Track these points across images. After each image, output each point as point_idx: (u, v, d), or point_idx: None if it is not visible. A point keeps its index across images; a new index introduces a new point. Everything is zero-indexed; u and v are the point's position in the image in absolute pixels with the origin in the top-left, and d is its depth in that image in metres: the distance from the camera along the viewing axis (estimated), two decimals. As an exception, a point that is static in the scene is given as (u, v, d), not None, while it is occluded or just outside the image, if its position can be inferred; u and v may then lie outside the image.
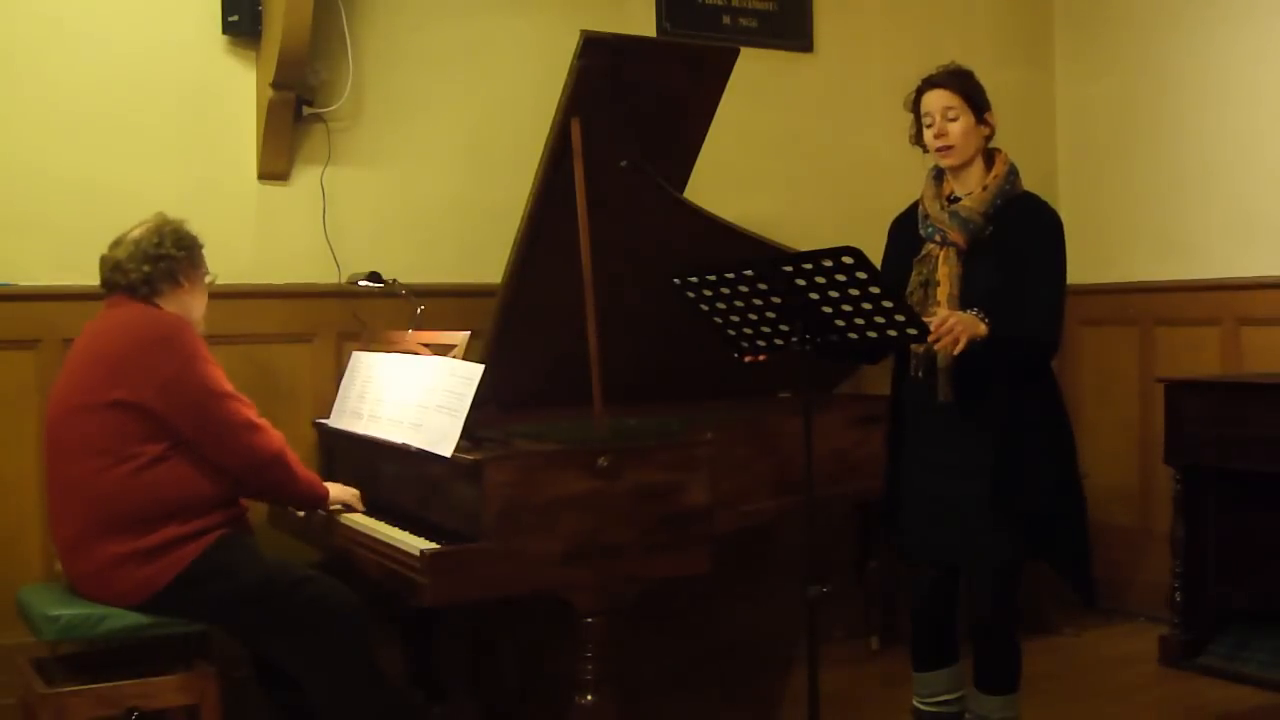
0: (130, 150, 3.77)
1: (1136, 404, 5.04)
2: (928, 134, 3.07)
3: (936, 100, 3.04)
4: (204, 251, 3.21)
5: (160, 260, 3.12)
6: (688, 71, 3.60)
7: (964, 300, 2.95)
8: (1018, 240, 2.99)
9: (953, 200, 3.08)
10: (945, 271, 2.99)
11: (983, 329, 2.85)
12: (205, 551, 2.96)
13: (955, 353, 2.83)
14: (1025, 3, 5.36)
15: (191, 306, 3.17)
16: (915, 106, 3.10)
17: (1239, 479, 4.25)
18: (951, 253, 3.01)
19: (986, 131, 3.07)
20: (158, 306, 3.10)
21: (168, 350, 2.98)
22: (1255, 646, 4.29)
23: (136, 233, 3.15)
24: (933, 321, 2.81)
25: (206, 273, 3.24)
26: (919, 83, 3.10)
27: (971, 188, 3.06)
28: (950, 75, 3.07)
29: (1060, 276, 3.02)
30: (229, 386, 3.04)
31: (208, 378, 2.99)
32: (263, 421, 3.07)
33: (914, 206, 3.17)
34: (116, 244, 3.15)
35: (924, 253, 3.05)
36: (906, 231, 3.16)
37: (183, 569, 2.93)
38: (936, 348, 2.88)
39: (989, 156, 3.08)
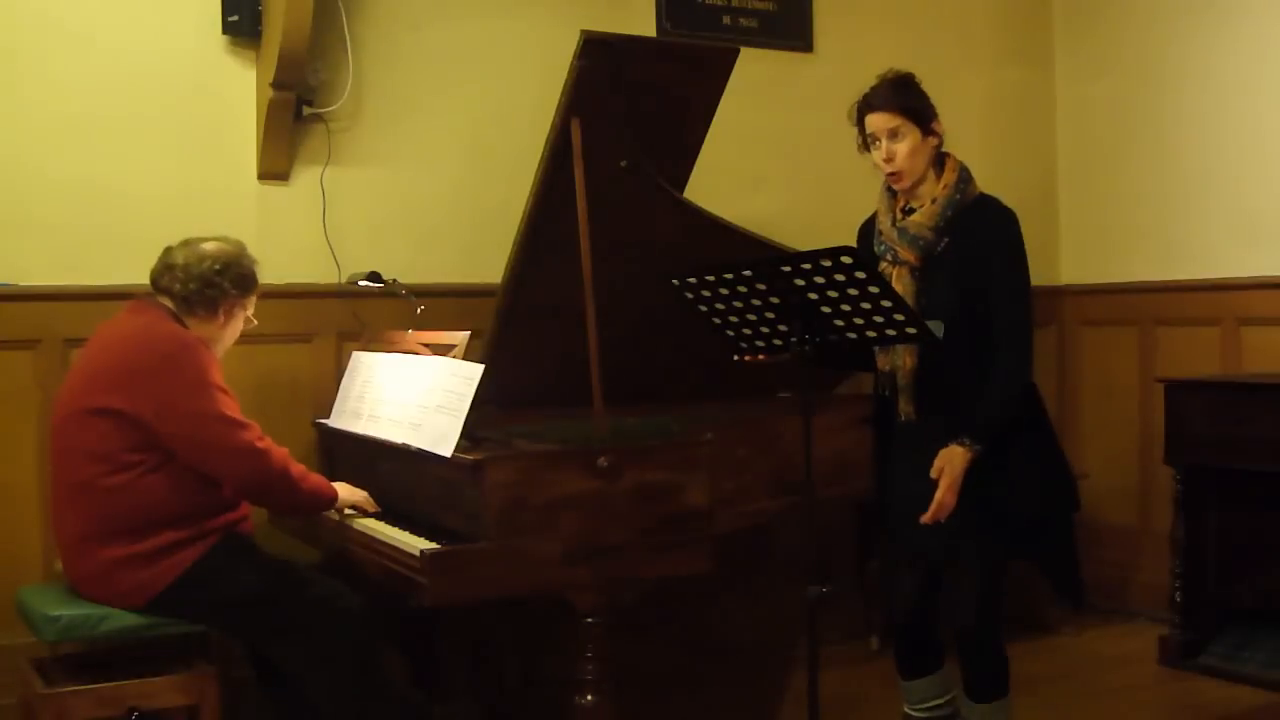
0: (130, 150, 3.77)
1: (1136, 404, 5.04)
2: (875, 156, 3.03)
3: (879, 122, 2.98)
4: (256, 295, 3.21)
5: (210, 288, 3.09)
6: (688, 71, 3.59)
7: (923, 314, 2.90)
8: (974, 250, 2.95)
9: (907, 212, 3.04)
10: (900, 290, 2.94)
11: (969, 456, 2.89)
12: (205, 554, 2.96)
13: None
14: (1025, 3, 5.35)
15: (217, 339, 3.14)
16: (859, 123, 3.05)
17: (1239, 479, 4.25)
18: (904, 270, 2.99)
19: (935, 142, 3.01)
20: (183, 325, 3.07)
21: (173, 371, 2.94)
22: (1255, 646, 4.29)
23: (210, 247, 3.14)
24: (929, 510, 2.90)
25: (250, 317, 3.23)
26: (859, 99, 3.04)
27: (924, 200, 3.02)
28: (889, 91, 2.99)
29: (1025, 288, 2.98)
30: (230, 411, 2.98)
31: (209, 402, 2.95)
32: (264, 443, 3.01)
33: (874, 216, 3.14)
34: (186, 243, 3.14)
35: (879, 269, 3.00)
36: (866, 241, 3.14)
37: (182, 572, 2.93)
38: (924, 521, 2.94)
39: (940, 164, 3.03)
